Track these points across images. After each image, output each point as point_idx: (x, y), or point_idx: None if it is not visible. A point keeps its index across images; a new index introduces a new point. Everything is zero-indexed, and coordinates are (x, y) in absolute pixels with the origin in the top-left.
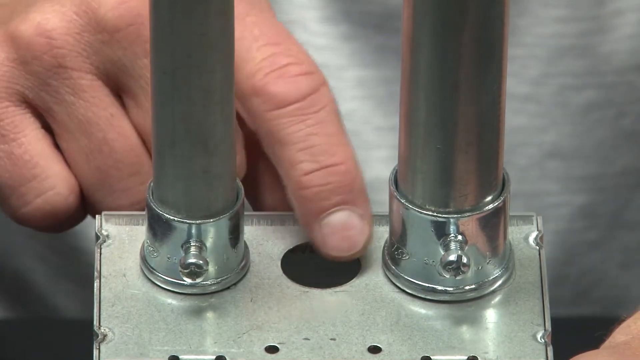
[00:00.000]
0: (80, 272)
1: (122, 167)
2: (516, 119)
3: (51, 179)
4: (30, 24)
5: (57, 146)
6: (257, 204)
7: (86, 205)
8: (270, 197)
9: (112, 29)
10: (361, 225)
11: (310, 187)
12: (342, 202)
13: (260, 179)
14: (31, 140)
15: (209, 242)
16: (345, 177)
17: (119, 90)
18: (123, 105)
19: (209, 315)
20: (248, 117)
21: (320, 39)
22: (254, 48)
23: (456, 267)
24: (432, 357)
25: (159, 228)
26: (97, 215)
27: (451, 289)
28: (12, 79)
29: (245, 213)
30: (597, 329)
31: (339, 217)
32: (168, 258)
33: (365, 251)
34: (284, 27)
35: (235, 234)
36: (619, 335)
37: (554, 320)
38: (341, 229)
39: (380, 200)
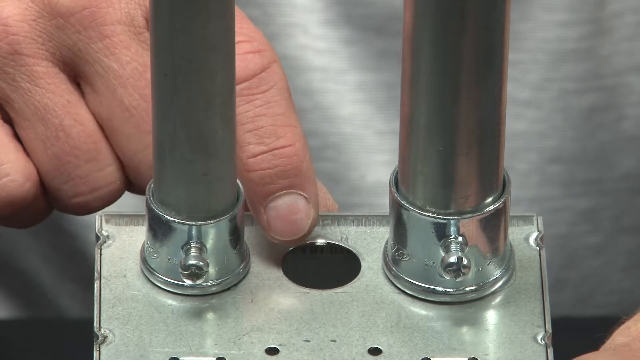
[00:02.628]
0: (84, 273)
1: (79, 154)
2: (517, 124)
3: (6, 166)
4: None
5: (17, 138)
6: None
7: (47, 195)
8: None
9: (66, 13)
10: (307, 209)
11: (257, 170)
12: (288, 186)
13: None
14: None
15: (209, 244)
16: (292, 160)
17: (77, 77)
18: (81, 92)
19: (210, 316)
20: None
21: (321, 43)
22: None
23: (457, 269)
24: (432, 359)
25: (159, 229)
26: (97, 216)
27: (451, 290)
28: None
29: (246, 214)
30: (597, 331)
31: (285, 202)
32: (168, 259)
33: (310, 234)
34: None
35: (235, 235)
36: (619, 336)
37: (554, 322)
38: (286, 214)
39: (382, 204)
